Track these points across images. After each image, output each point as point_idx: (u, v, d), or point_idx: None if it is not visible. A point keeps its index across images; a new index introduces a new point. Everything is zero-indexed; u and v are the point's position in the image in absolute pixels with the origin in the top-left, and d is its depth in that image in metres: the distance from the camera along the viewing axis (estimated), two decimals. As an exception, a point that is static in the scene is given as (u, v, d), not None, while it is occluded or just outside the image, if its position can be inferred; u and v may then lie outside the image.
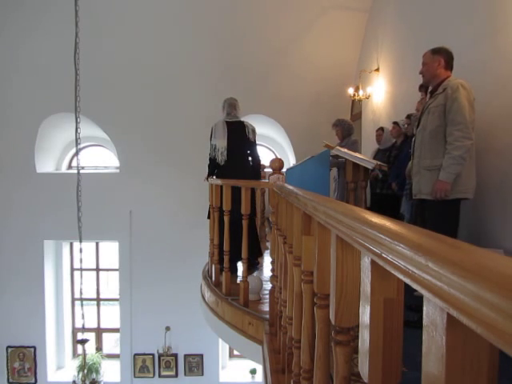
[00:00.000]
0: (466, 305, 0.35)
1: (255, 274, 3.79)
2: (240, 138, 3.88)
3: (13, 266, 7.29)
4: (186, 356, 7.32)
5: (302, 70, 7.01)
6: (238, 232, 3.27)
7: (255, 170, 4.02)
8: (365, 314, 0.69)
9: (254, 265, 3.99)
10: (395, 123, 4.30)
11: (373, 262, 0.65)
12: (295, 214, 1.51)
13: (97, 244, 7.93)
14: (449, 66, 2.61)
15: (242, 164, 3.91)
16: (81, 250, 3.91)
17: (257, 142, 4.02)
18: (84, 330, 3.96)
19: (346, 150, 3.78)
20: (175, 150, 7.25)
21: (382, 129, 4.73)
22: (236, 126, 3.91)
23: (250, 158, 3.97)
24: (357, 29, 6.76)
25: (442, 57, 2.59)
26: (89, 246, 7.61)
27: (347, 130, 4.74)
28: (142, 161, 7.29)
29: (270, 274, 2.77)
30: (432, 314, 0.45)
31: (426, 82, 2.75)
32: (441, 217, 2.58)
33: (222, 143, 3.86)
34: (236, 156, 3.89)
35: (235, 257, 3.53)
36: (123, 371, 7.39)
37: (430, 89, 2.73)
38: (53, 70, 6.63)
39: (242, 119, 4.02)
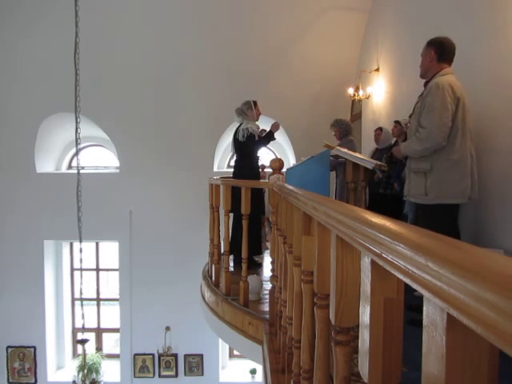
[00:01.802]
0: (465, 305, 0.35)
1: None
2: (234, 140, 4.28)
3: (13, 266, 7.29)
4: (185, 356, 7.32)
5: (302, 70, 7.02)
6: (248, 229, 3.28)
7: (241, 168, 4.22)
8: (365, 314, 0.69)
9: (254, 262, 4.12)
10: (397, 122, 4.29)
11: (373, 262, 0.65)
12: (295, 214, 1.51)
13: (97, 244, 7.93)
14: (442, 58, 2.50)
15: (237, 164, 4.33)
16: (81, 250, 3.91)
17: (248, 141, 4.15)
18: (84, 329, 3.96)
19: (346, 150, 3.78)
20: (175, 150, 7.25)
21: (380, 129, 4.72)
22: (236, 129, 4.29)
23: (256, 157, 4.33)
24: (357, 29, 6.76)
25: (433, 49, 2.50)
26: (89, 246, 7.60)
27: (345, 130, 4.76)
28: (142, 161, 7.29)
29: (270, 274, 2.77)
30: (432, 313, 0.45)
31: (421, 75, 2.67)
32: (429, 220, 2.54)
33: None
34: (236, 157, 4.35)
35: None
36: (123, 371, 7.39)
37: None
38: (53, 70, 6.64)
39: (244, 124, 4.23)
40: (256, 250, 4.17)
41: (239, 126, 4.26)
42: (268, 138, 4.26)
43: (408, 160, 2.72)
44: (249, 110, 4.26)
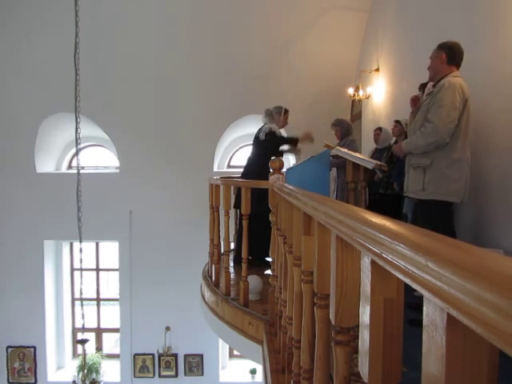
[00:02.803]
0: (465, 305, 0.35)
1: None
2: (255, 138, 4.30)
3: (13, 266, 7.29)
4: (186, 356, 7.32)
5: (302, 69, 7.01)
6: (253, 229, 3.27)
7: (255, 166, 4.19)
8: (365, 314, 0.69)
9: (264, 263, 4.09)
10: (397, 122, 4.29)
11: (373, 262, 0.65)
12: (295, 214, 1.51)
13: (97, 244, 7.93)
14: (452, 61, 2.58)
15: (249, 163, 4.32)
16: (81, 250, 3.91)
17: (269, 138, 4.15)
18: (84, 329, 3.96)
19: (346, 150, 3.78)
20: (175, 150, 7.25)
21: (380, 129, 4.72)
22: (259, 129, 4.33)
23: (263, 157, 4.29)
24: (357, 29, 6.76)
25: (444, 52, 2.57)
26: (89, 246, 7.60)
27: (346, 130, 4.77)
28: (142, 161, 7.28)
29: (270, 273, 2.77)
30: (432, 313, 0.45)
31: (430, 77, 2.73)
32: (425, 216, 2.60)
33: None
34: (250, 155, 4.39)
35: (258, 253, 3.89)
36: (123, 371, 7.39)
37: (430, 85, 2.74)
38: (53, 70, 6.63)
39: (268, 124, 4.28)
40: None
41: (263, 125, 4.28)
42: (289, 140, 4.20)
43: (408, 156, 2.75)
44: (277, 114, 4.27)
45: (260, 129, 4.26)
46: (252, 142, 4.38)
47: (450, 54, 2.57)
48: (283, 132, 4.41)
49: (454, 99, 2.45)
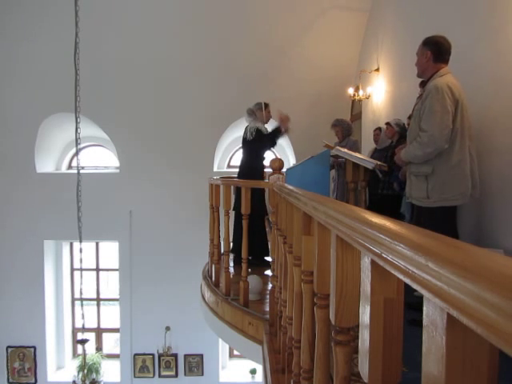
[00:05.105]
0: (466, 305, 0.35)
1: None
2: (243, 139, 4.30)
3: (13, 266, 7.29)
4: (186, 356, 7.32)
5: (302, 70, 7.02)
6: (250, 229, 3.27)
7: (246, 167, 4.22)
8: (365, 314, 0.69)
9: (263, 263, 4.10)
10: (387, 124, 4.29)
11: (373, 262, 0.65)
12: (295, 214, 1.51)
13: (97, 244, 7.93)
14: (439, 58, 2.46)
15: (242, 164, 4.32)
16: (81, 250, 3.91)
17: (256, 137, 4.14)
18: (84, 329, 3.96)
19: (346, 150, 3.78)
20: (175, 150, 7.25)
21: (379, 129, 4.73)
22: (245, 129, 4.34)
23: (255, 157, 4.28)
24: (357, 29, 6.76)
25: (430, 49, 2.46)
26: (89, 246, 7.60)
27: (347, 130, 4.78)
28: (142, 161, 7.29)
29: (270, 273, 2.77)
30: (432, 313, 0.45)
31: (418, 75, 2.65)
32: (431, 222, 2.53)
33: None
34: (242, 156, 4.41)
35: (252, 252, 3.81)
36: (123, 371, 7.39)
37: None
38: (53, 70, 6.63)
39: (252, 123, 4.26)
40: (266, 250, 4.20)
41: (247, 126, 4.29)
42: (274, 133, 4.18)
43: (409, 163, 2.72)
44: (258, 110, 4.25)
45: (246, 130, 4.26)
46: (241, 145, 4.39)
47: (436, 52, 2.45)
48: (269, 126, 4.37)
49: (444, 103, 2.35)
